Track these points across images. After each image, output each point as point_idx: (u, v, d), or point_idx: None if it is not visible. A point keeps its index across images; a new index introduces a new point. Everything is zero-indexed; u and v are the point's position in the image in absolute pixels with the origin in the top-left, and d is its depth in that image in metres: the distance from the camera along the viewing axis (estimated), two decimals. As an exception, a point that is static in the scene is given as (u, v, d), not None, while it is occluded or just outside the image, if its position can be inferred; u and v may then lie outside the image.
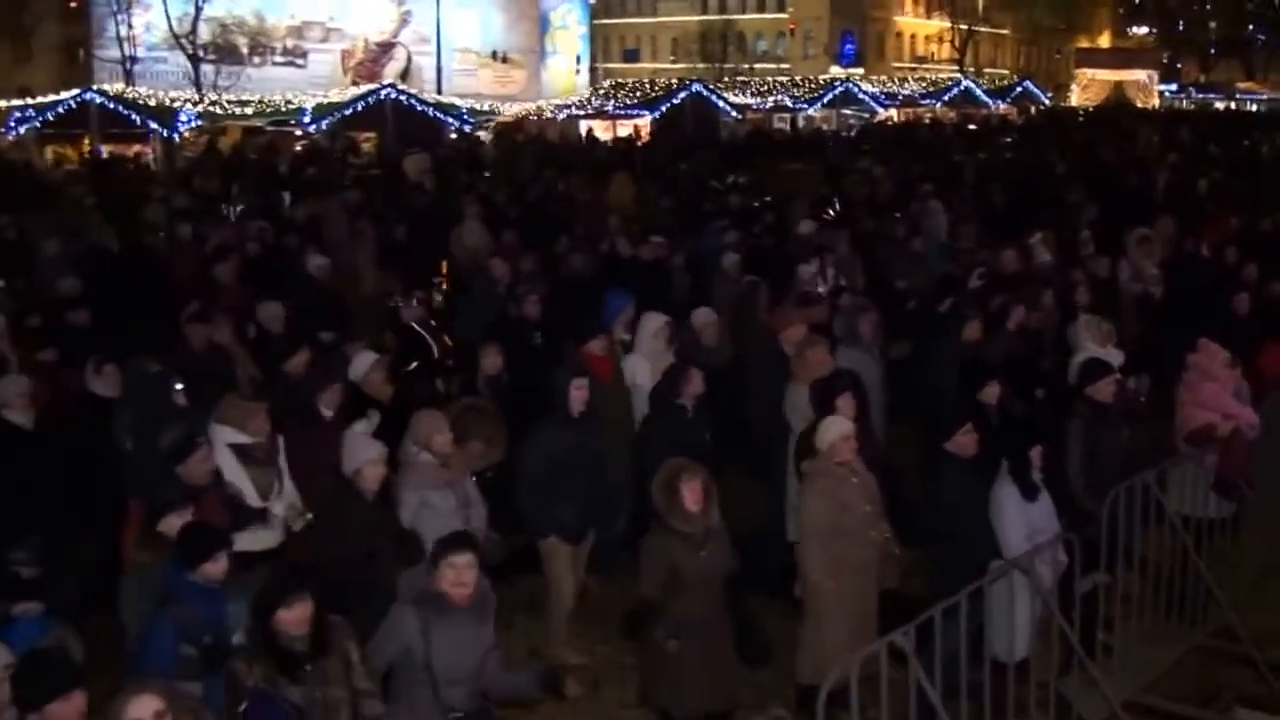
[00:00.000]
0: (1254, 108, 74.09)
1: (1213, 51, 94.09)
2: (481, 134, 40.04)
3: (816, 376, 9.28)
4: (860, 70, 71.50)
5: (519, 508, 8.71)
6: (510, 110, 45.55)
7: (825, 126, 47.62)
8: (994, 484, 7.93)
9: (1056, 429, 8.96)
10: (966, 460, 7.98)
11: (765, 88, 53.47)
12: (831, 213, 19.81)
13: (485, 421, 9.06)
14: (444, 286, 15.64)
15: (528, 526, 8.80)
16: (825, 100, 51.77)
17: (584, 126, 44.79)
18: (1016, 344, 11.23)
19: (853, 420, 8.29)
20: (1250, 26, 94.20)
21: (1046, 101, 62.41)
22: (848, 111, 52.41)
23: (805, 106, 51.35)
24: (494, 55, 54.84)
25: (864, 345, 10.87)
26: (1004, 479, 7.89)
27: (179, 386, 9.57)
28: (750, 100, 50.49)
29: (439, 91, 47.11)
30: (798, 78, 58.19)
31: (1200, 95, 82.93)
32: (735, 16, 78.25)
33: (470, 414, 9.06)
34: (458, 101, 43.48)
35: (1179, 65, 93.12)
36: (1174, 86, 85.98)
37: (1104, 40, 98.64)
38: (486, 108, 44.57)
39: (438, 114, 40.40)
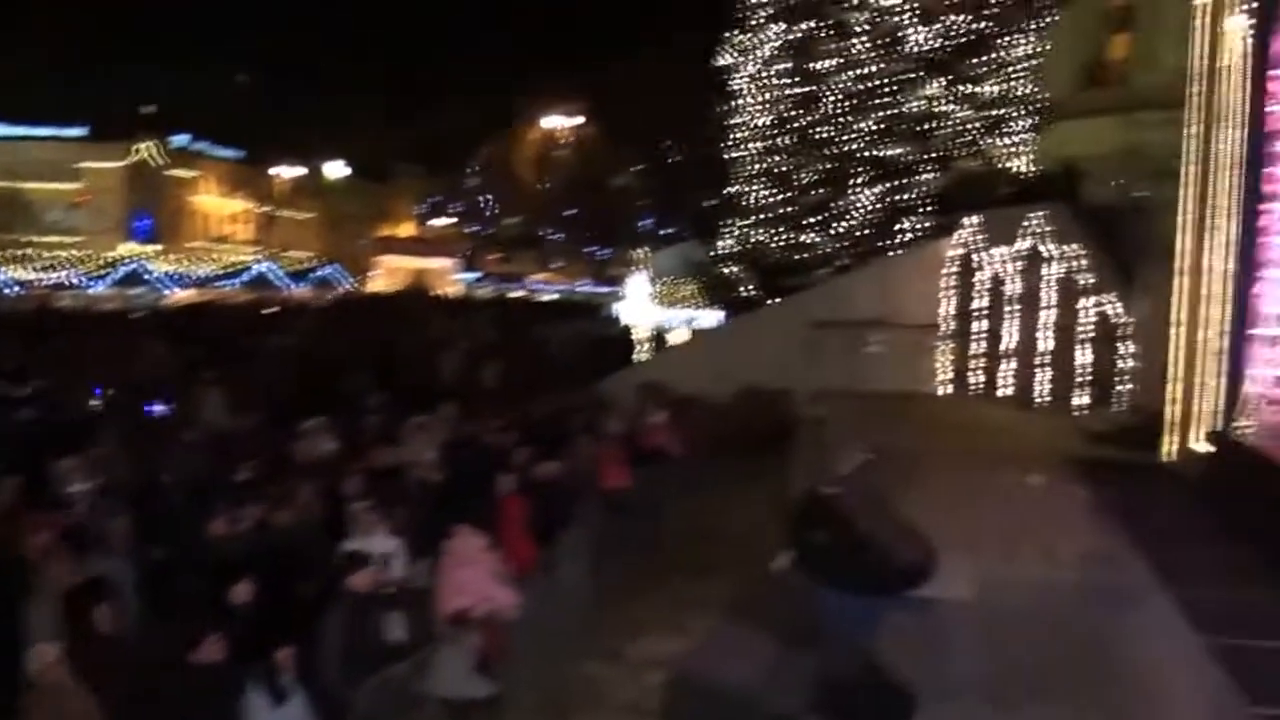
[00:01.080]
0: (546, 297, 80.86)
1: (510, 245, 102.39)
2: None
3: (66, 588, 8.60)
4: (157, 247, 69.80)
5: None
6: None
7: (113, 305, 45.96)
8: (243, 690, 7.65)
9: (317, 622, 8.86)
10: (214, 666, 7.64)
11: (50, 262, 51.05)
12: (101, 400, 18.94)
13: None
14: None
15: None
16: (115, 278, 50.21)
17: None
18: (262, 539, 10.92)
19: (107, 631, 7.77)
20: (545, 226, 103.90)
21: (348, 286, 64.12)
22: (138, 290, 50.90)
23: (93, 284, 49.43)
24: None
25: (117, 551, 10.16)
26: (254, 683, 7.64)
27: None
28: (33, 275, 48.03)
29: None
30: (87, 254, 55.99)
31: (498, 285, 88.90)
32: (23, 184, 73.72)
33: None
34: None
35: (476, 255, 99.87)
36: (476, 275, 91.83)
37: (408, 229, 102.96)
38: None
39: None
